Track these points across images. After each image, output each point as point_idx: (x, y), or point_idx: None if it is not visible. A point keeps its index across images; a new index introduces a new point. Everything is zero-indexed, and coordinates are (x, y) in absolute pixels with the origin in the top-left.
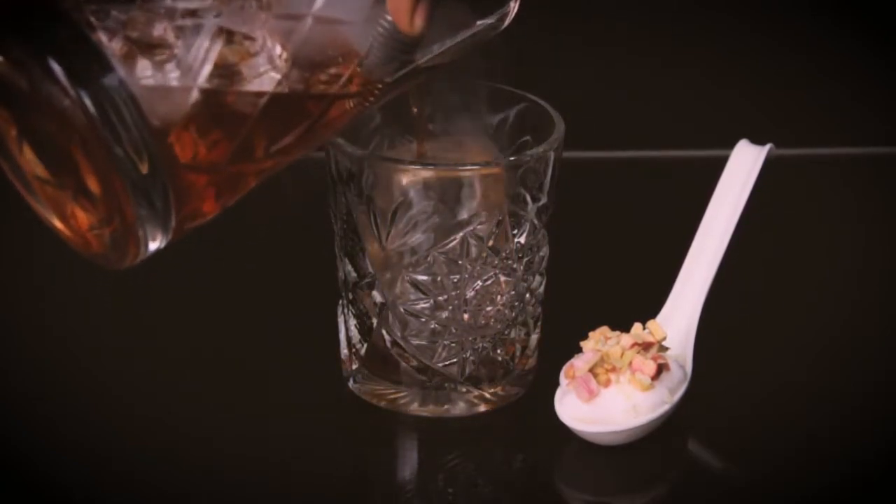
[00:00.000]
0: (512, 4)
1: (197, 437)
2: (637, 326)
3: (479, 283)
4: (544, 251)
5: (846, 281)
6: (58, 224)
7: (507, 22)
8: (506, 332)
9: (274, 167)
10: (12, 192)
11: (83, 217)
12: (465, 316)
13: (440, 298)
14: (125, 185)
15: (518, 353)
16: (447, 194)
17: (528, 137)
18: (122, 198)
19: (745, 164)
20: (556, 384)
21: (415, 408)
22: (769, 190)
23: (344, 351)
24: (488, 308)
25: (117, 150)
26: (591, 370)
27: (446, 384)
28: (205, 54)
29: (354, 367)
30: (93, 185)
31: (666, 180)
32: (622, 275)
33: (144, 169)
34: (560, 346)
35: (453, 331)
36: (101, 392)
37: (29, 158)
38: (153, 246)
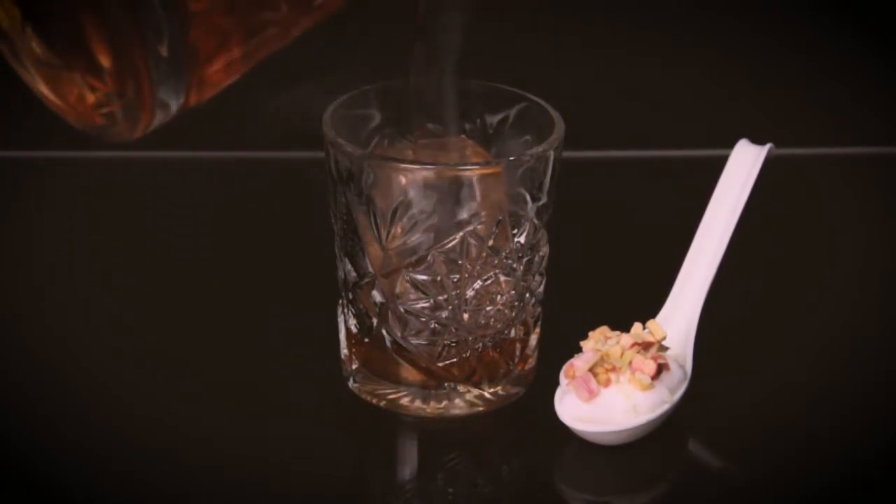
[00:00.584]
0: None
1: (197, 437)
2: (637, 326)
3: (479, 282)
4: (544, 251)
5: (846, 281)
6: (61, 105)
7: None
8: (506, 332)
9: (281, 34)
10: (12, 191)
11: (90, 96)
12: (465, 316)
13: (440, 298)
14: (143, 44)
15: (518, 353)
16: (447, 194)
17: (528, 137)
18: (138, 59)
19: (744, 164)
20: (556, 384)
21: (415, 407)
22: (769, 189)
23: (344, 351)
24: (488, 308)
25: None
26: (591, 370)
27: (446, 384)
28: None
29: (354, 366)
30: (103, 58)
31: (666, 180)
32: (622, 274)
33: (161, 25)
34: (560, 345)
35: (453, 330)
36: (101, 392)
37: (33, 42)
38: (166, 112)
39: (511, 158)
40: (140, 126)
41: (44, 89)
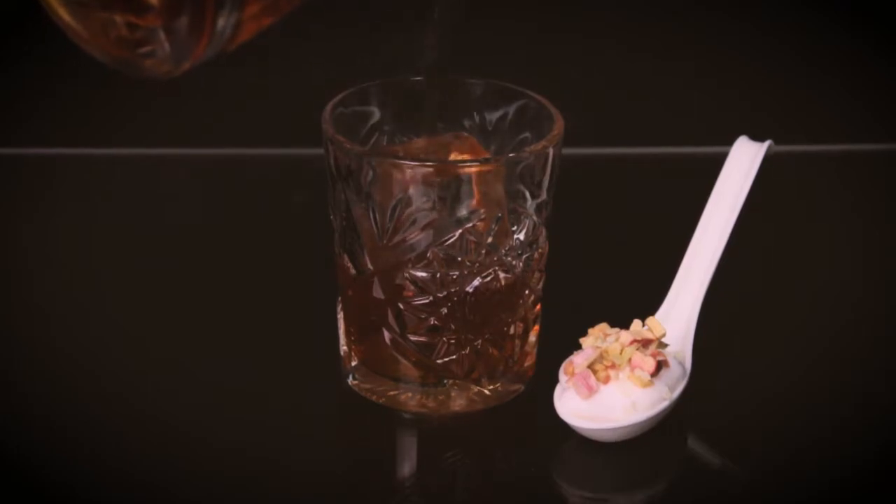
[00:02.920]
0: None
1: (196, 435)
2: (636, 323)
3: (479, 279)
4: (543, 248)
5: (846, 278)
6: (90, 41)
7: None
8: (505, 329)
9: None
10: (12, 190)
11: (128, 35)
12: (465, 312)
13: (439, 295)
14: None
15: (517, 350)
16: (446, 191)
17: (527, 134)
18: None
19: (744, 161)
20: (556, 381)
21: (414, 404)
22: (768, 186)
23: (343, 347)
24: (487, 305)
25: None
26: (591, 367)
27: (446, 381)
28: None
29: (354, 363)
30: None
31: (665, 177)
32: (621, 271)
33: None
34: (559, 342)
35: (452, 327)
36: (101, 392)
37: None
38: (214, 48)
39: (510, 155)
40: (188, 61)
41: (67, 19)
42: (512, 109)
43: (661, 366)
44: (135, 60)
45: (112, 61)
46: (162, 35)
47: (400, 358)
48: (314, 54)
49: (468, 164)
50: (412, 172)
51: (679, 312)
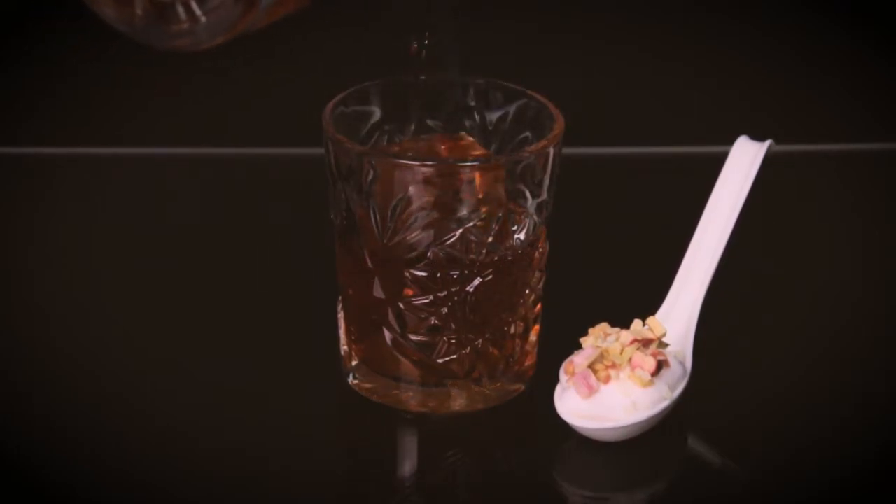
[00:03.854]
0: None
1: (195, 436)
2: (637, 323)
3: (479, 279)
4: (544, 247)
5: (847, 277)
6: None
7: None
8: (505, 329)
9: None
10: (12, 190)
11: (153, 9)
12: (465, 312)
13: (440, 295)
14: None
15: (518, 350)
16: (447, 190)
17: (527, 133)
18: None
19: (744, 160)
20: (556, 380)
21: (414, 404)
22: (769, 186)
23: (343, 347)
24: (488, 304)
25: None
26: (591, 366)
27: (446, 380)
28: None
29: (354, 363)
30: None
31: (666, 176)
32: (622, 271)
33: None
34: (560, 342)
35: (453, 327)
36: (101, 392)
37: None
38: (254, 23)
39: (511, 154)
40: (226, 33)
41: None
42: (512, 109)
43: (661, 365)
44: (159, 33)
45: (134, 33)
46: (197, 9)
47: (400, 357)
48: (314, 54)
49: (469, 163)
50: (413, 172)
51: (679, 312)
